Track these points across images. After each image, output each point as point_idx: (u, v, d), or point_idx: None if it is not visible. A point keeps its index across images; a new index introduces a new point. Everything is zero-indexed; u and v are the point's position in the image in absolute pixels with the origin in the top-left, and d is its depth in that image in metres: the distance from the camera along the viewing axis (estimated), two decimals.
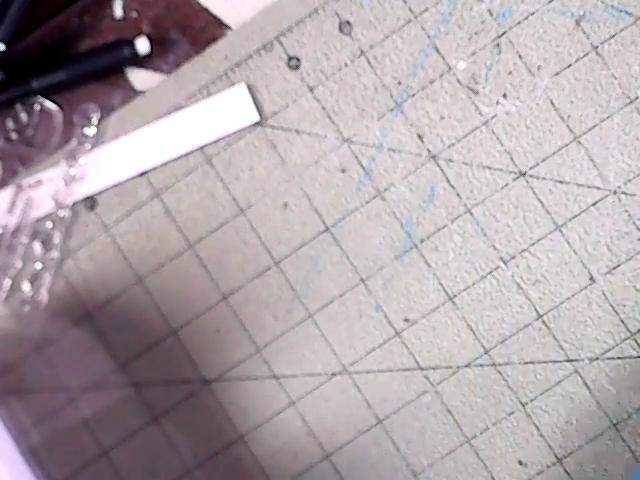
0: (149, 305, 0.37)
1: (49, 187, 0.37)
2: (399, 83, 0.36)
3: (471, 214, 0.36)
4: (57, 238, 0.37)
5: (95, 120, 0.37)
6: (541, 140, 0.36)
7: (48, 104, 0.37)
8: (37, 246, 0.37)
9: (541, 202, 0.36)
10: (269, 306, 0.37)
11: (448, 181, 0.36)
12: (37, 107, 0.37)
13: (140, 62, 0.37)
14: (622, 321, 0.36)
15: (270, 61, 0.37)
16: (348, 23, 0.36)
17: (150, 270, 0.37)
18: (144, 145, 0.37)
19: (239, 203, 0.37)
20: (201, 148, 0.37)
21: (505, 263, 0.36)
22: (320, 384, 0.37)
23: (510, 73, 0.36)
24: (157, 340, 0.37)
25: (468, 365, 0.36)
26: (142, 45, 0.36)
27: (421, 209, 0.36)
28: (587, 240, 0.36)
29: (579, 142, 0.36)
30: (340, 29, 0.36)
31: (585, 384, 0.36)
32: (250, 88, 0.37)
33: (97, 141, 0.37)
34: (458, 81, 0.36)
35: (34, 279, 0.37)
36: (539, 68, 0.36)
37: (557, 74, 0.36)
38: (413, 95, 0.36)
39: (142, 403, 0.37)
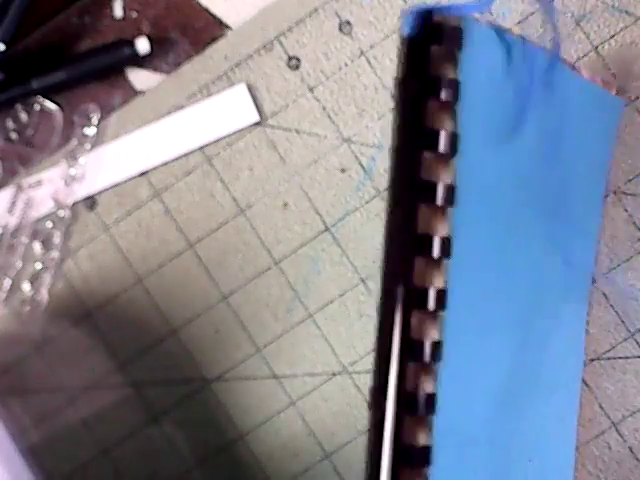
0: (149, 305, 0.37)
1: (49, 187, 0.37)
2: None
3: None
4: (57, 238, 0.37)
5: (95, 120, 0.37)
6: None
7: (48, 104, 0.37)
8: (37, 246, 0.37)
9: None
10: (269, 306, 0.37)
11: None
12: (37, 107, 0.37)
13: (140, 62, 0.37)
14: (622, 321, 0.36)
15: (270, 61, 0.37)
16: (348, 23, 0.36)
17: (150, 270, 0.37)
18: (144, 145, 0.37)
19: (239, 203, 0.37)
20: (201, 148, 0.37)
21: None
22: (320, 384, 0.37)
23: None
24: (157, 340, 0.37)
25: None
26: (142, 45, 0.36)
27: None
28: None
29: None
30: (340, 29, 0.36)
31: (585, 384, 0.36)
32: (250, 88, 0.37)
33: (97, 141, 0.37)
34: None
35: (34, 279, 0.37)
36: None
37: None
38: None
39: (142, 403, 0.37)
